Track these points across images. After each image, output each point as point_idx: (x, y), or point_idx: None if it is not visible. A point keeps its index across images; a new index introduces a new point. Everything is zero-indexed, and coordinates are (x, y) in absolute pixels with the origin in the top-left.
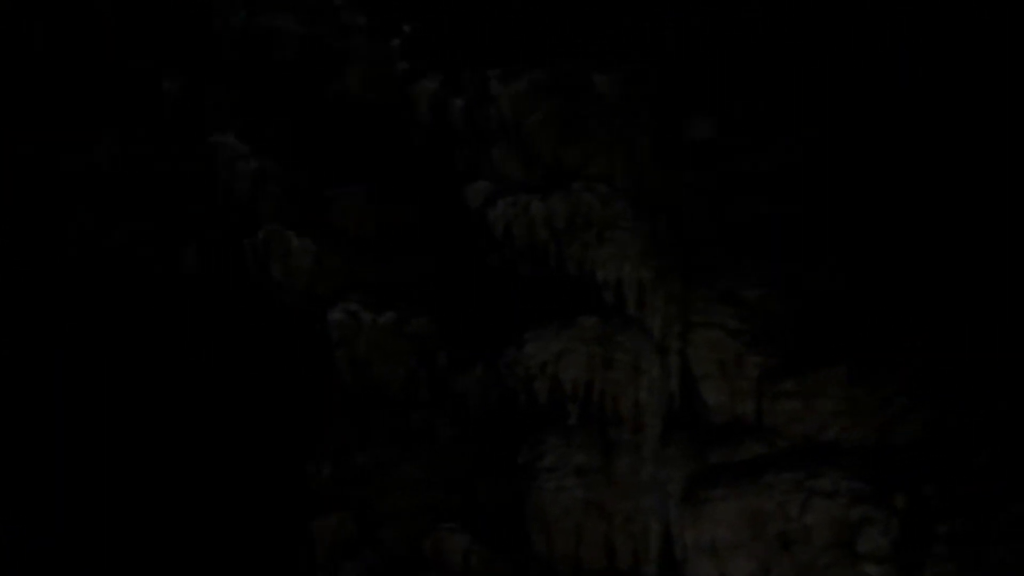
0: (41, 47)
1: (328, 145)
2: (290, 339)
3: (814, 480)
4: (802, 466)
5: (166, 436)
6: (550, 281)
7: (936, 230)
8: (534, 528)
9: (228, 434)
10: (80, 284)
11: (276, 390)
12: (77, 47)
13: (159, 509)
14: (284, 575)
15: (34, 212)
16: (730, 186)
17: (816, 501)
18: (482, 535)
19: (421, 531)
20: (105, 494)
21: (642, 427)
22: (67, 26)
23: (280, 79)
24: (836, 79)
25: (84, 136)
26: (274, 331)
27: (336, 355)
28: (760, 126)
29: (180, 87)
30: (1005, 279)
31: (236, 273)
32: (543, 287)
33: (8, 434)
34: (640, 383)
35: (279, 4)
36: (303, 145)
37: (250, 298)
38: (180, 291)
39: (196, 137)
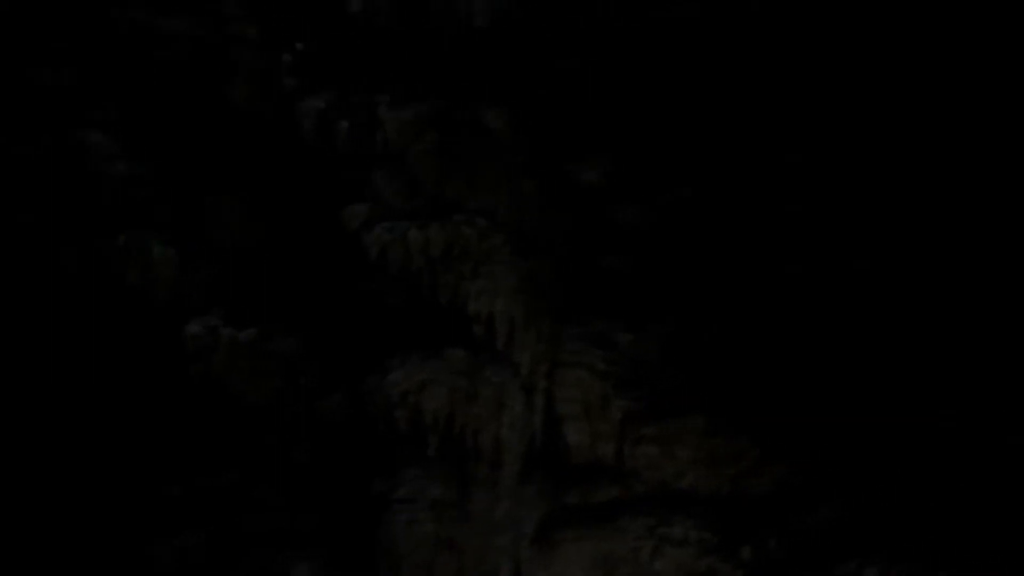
0: None
1: (211, 153)
2: (149, 352)
3: (666, 528)
4: (656, 512)
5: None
6: (421, 310)
7: (798, 295)
8: (385, 561)
9: (77, 448)
10: None
11: (131, 403)
12: None
13: None
14: None
15: None
16: (612, 232)
17: (667, 549)
18: (334, 564)
19: (271, 556)
20: None
21: (501, 464)
22: None
23: (168, 83)
24: (724, 138)
25: None
26: (133, 342)
27: (192, 370)
28: (648, 176)
29: (62, 81)
30: (859, 346)
31: (103, 279)
32: (413, 315)
33: None
34: (502, 419)
35: (173, 6)
36: (185, 151)
37: (112, 305)
38: (54, 292)
39: (70, 134)
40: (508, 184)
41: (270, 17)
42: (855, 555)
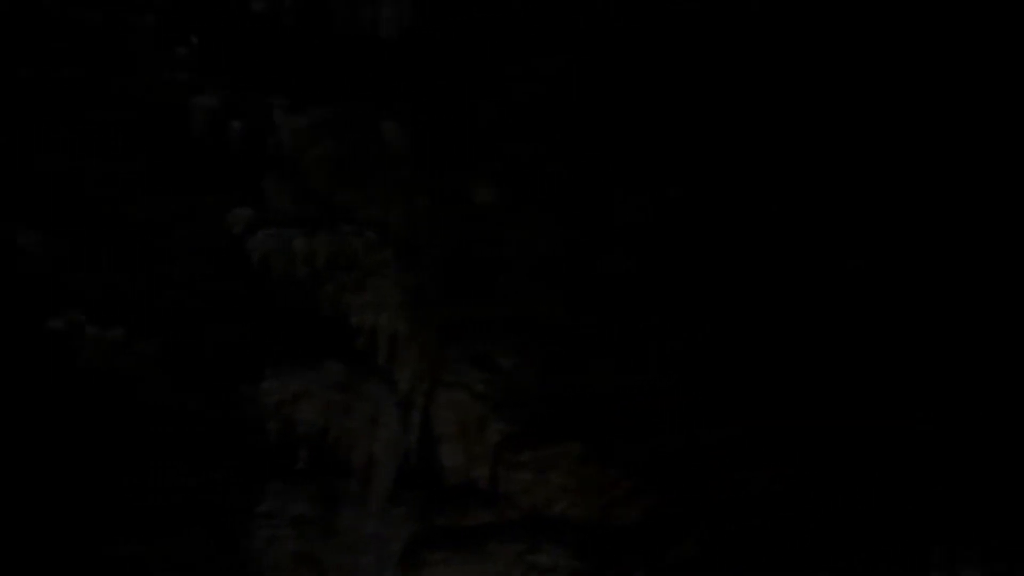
0: None
1: (100, 141)
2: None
3: (535, 554)
4: (526, 538)
5: None
6: (301, 320)
7: (673, 334)
8: None
9: None
10: None
11: None
12: None
13: None
14: None
15: None
16: (503, 255)
17: None
18: None
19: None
20: None
21: (372, 481)
22: None
23: (63, 67)
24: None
25: None
26: None
27: (52, 368)
28: (542, 200)
29: None
30: (732, 380)
31: None
32: (293, 325)
33: None
34: (376, 435)
35: None
36: (74, 137)
37: None
38: None
39: None
40: (401, 198)
41: (169, 7)
42: None
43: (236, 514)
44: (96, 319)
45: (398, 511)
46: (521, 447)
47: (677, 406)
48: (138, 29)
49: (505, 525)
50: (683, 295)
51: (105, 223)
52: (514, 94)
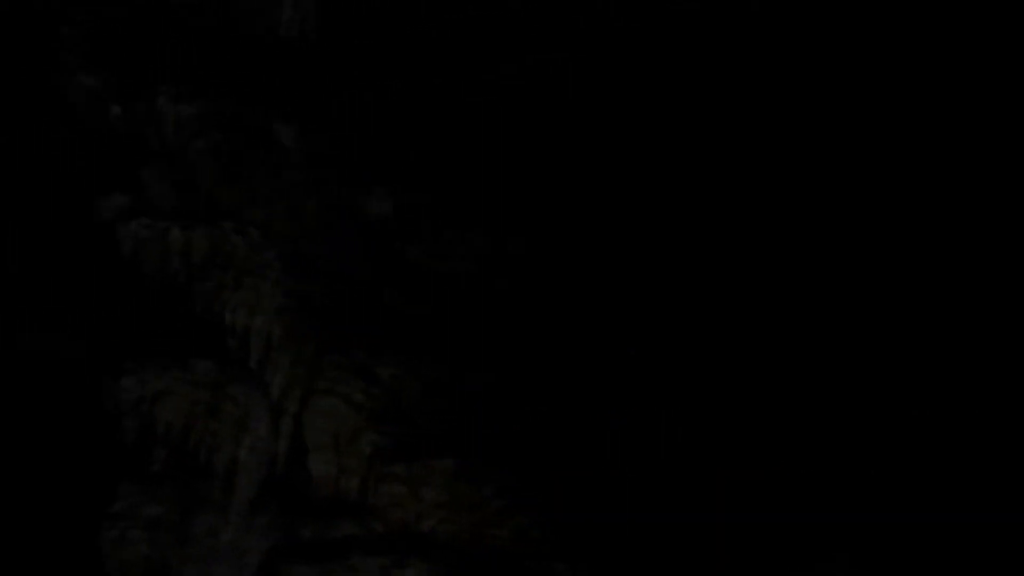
0: None
1: None
2: None
3: (400, 570)
4: (393, 552)
5: None
6: (171, 315)
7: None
8: None
9: None
10: None
11: None
12: None
13: None
14: None
15: None
16: (392, 265)
17: None
18: None
19: None
20: None
21: (235, 487)
22: None
23: None
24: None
25: None
26: None
27: None
28: (439, 216)
29: None
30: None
31: None
32: (162, 320)
33: None
34: (243, 440)
35: None
36: None
37: None
38: None
39: None
40: (289, 200)
41: None
42: None
43: (85, 513)
44: None
45: (260, 520)
46: (395, 460)
47: (556, 428)
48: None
49: (372, 538)
50: (570, 313)
51: None
52: (419, 103)
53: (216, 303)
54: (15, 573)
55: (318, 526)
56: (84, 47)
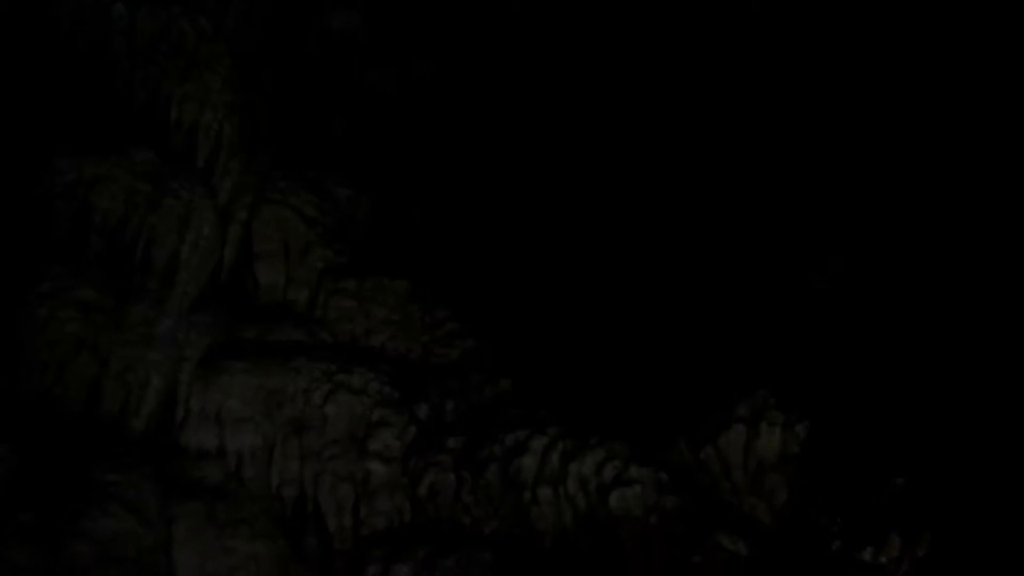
0: None
1: None
2: None
3: (345, 375)
4: (339, 361)
5: None
6: (111, 100)
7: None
8: (23, 359)
9: None
10: None
11: None
12: None
13: None
14: None
15: None
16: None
17: (341, 394)
18: None
19: None
20: None
21: (175, 282)
22: None
23: None
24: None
25: None
26: None
27: None
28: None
29: None
30: None
31: None
32: (100, 104)
33: None
34: (186, 237)
35: None
36: None
37: None
38: None
39: None
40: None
41: None
42: (526, 425)
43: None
44: None
45: (202, 318)
46: (346, 276)
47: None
48: None
49: (317, 346)
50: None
51: None
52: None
53: (163, 92)
54: None
55: (262, 329)
56: None
